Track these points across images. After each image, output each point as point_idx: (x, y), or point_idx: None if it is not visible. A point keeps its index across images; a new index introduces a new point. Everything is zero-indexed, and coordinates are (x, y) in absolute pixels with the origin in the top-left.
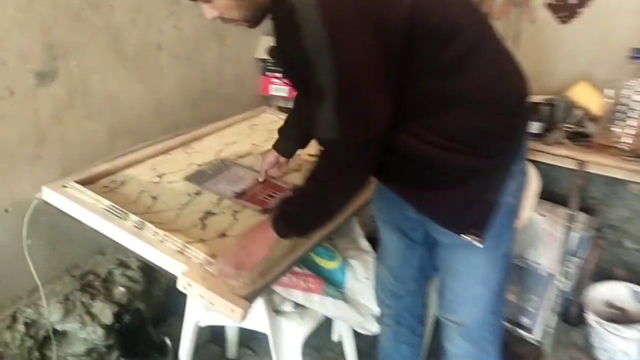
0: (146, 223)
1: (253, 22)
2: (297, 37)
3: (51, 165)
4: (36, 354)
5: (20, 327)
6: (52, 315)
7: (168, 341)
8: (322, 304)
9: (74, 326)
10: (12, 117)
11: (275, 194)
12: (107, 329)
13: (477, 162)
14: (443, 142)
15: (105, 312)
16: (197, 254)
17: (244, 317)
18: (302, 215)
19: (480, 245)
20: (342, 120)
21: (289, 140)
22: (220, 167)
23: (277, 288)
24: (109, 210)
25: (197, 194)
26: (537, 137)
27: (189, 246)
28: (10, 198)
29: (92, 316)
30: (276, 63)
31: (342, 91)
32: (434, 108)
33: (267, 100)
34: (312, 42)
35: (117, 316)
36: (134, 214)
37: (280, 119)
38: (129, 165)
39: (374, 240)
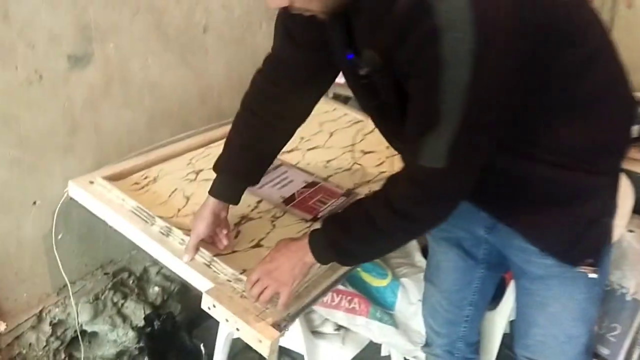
0: (173, 229)
1: (331, 13)
2: (420, 43)
3: (84, 156)
4: (63, 355)
5: (46, 328)
6: (80, 315)
7: (202, 348)
8: (367, 328)
9: (103, 328)
10: (42, 104)
11: (327, 199)
12: (139, 331)
13: (593, 180)
14: (554, 158)
15: (137, 314)
16: (225, 269)
17: (273, 349)
18: (360, 247)
19: (596, 276)
20: (459, 149)
21: (238, 178)
22: None
23: (317, 308)
24: (135, 213)
25: None
26: (633, 142)
27: (216, 260)
28: (39, 191)
29: (124, 317)
30: (353, 66)
31: (470, 116)
32: (544, 122)
33: None
34: (452, 52)
35: (149, 319)
36: (161, 217)
37: (334, 109)
38: (165, 159)
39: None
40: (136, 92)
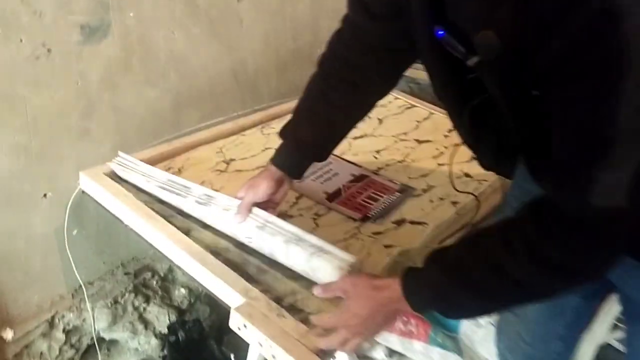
0: (214, 196)
1: None
2: (586, 31)
3: (101, 142)
4: None
5: (59, 335)
6: (97, 321)
7: (233, 359)
8: (426, 355)
9: (123, 335)
10: (51, 82)
11: (379, 195)
12: (163, 338)
13: None
14: None
15: (161, 319)
16: None
17: None
18: (482, 303)
19: None
20: None
21: (305, 148)
22: None
23: None
24: (164, 188)
25: None
26: None
27: None
28: (50, 181)
29: (146, 323)
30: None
31: None
32: None
33: None
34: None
35: (172, 329)
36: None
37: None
38: (191, 146)
39: None
40: (160, 69)
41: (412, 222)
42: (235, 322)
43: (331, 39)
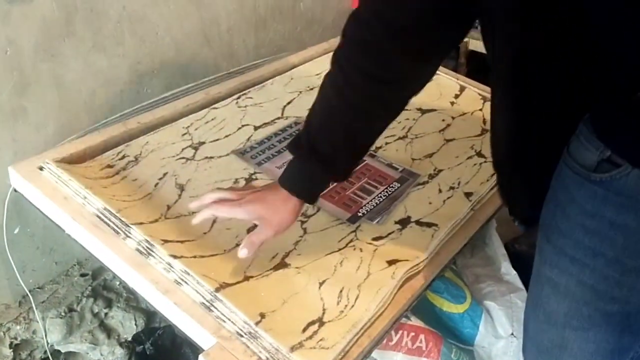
0: (157, 246)
1: None
2: None
3: (42, 122)
4: None
5: (5, 351)
6: (50, 333)
7: None
8: None
9: (81, 347)
10: None
11: (373, 186)
12: (130, 347)
13: None
14: None
15: (127, 325)
16: (235, 314)
17: None
18: None
19: None
20: None
21: (325, 165)
22: (290, 134)
23: None
24: (101, 218)
25: (249, 179)
26: None
27: (221, 297)
28: None
29: (109, 331)
30: None
31: None
32: None
33: None
34: None
35: (139, 339)
36: (140, 225)
37: None
38: (151, 127)
39: (524, 260)
40: (111, 30)
41: (419, 223)
42: None
43: (346, 28)
